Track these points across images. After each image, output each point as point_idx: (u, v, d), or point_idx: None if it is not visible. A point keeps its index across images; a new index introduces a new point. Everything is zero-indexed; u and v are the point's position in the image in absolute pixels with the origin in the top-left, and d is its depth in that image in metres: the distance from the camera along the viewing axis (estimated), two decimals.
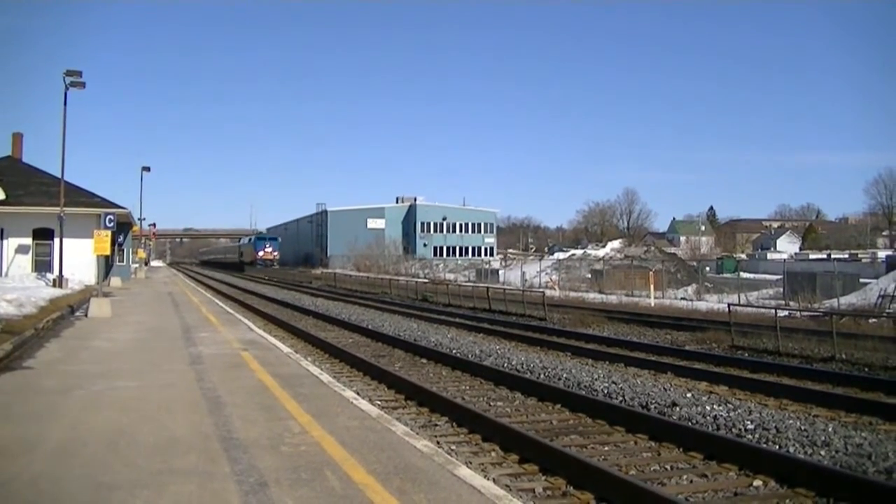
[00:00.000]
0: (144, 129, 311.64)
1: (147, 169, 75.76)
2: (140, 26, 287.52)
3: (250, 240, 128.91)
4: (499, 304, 36.51)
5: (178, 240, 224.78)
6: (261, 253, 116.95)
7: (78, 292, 36.21)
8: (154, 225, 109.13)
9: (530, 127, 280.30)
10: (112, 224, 32.79)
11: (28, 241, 47.32)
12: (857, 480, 8.35)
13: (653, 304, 40.13)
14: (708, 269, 72.39)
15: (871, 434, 10.75)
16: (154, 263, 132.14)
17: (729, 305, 25.79)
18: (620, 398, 13.55)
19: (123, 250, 65.01)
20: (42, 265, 46.29)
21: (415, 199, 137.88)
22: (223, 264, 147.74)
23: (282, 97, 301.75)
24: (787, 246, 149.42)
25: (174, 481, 7.24)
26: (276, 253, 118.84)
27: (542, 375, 16.16)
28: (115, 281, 51.21)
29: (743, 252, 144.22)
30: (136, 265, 77.23)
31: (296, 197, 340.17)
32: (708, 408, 12.34)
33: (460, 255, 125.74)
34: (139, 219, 75.88)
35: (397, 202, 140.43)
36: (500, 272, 75.71)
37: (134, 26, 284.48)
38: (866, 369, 17.80)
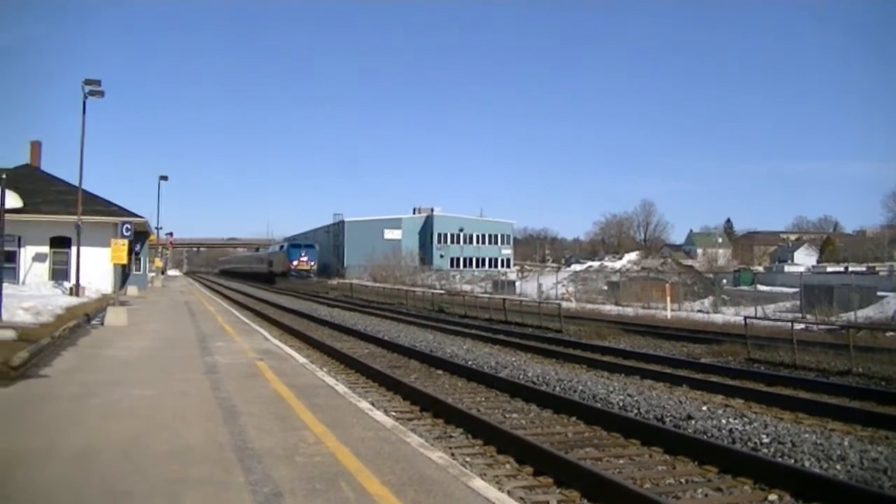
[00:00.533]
0: (162, 138, 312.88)
1: (164, 178, 76.09)
2: (159, 36, 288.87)
3: (282, 247, 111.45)
4: (515, 316, 36.43)
5: (194, 249, 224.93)
6: (295, 262, 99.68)
7: (94, 301, 36.36)
8: (171, 234, 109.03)
9: (548, 138, 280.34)
10: (129, 233, 32.92)
11: (45, 249, 47.51)
12: (873, 495, 8.32)
13: (669, 317, 40.01)
14: (725, 281, 72.12)
15: (888, 448, 10.68)
16: (171, 273, 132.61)
17: (745, 318, 25.67)
18: (636, 411, 13.52)
19: (140, 259, 65.13)
20: (59, 273, 46.44)
21: (431, 210, 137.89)
22: (248, 275, 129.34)
23: (299, 107, 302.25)
24: (804, 258, 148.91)
25: (189, 490, 7.27)
26: (313, 263, 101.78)
27: (557, 388, 16.12)
28: (131, 290, 51.34)
29: (760, 264, 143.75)
30: (153, 274, 77.42)
31: (312, 207, 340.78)
32: (724, 421, 12.29)
33: (477, 266, 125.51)
34: (156, 228, 76.12)
35: (414, 213, 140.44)
36: (517, 283, 75.59)
37: (153, 36, 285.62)
38: (883, 383, 17.69)
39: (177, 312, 35.74)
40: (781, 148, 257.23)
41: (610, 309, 46.41)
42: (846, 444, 10.77)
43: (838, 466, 9.70)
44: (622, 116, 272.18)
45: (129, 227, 33.40)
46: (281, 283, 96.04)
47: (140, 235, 57.49)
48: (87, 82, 38.68)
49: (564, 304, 40.75)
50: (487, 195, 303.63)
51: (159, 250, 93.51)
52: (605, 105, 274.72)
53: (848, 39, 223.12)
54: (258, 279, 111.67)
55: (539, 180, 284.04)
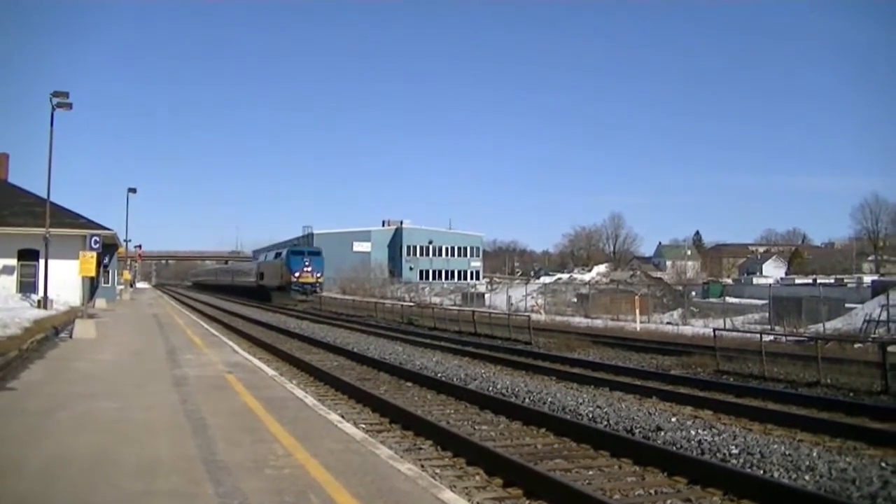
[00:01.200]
0: (130, 151, 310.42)
1: (133, 190, 75.62)
2: (127, 50, 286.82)
3: (279, 254, 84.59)
4: (484, 328, 36.45)
5: (163, 261, 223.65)
6: (297, 273, 75.16)
7: (63, 313, 36.06)
8: (140, 246, 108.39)
9: (517, 150, 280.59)
10: (97, 245, 32.89)
11: (13, 261, 47.26)
12: None
13: (638, 329, 40.08)
14: (694, 293, 72.52)
15: (856, 459, 10.78)
16: (139, 285, 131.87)
17: (714, 330, 25.85)
18: (605, 422, 13.56)
19: (109, 272, 64.87)
20: (27, 286, 46.17)
21: (401, 223, 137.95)
22: (230, 289, 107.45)
23: (266, 121, 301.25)
24: (772, 270, 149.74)
25: (157, 503, 7.24)
26: (319, 274, 77.39)
27: (527, 400, 16.15)
28: (100, 302, 51.06)
29: (729, 277, 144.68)
30: (122, 287, 77.05)
31: (281, 220, 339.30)
32: (693, 432, 12.35)
33: (446, 278, 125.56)
34: (125, 240, 75.74)
35: (383, 225, 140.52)
36: (486, 296, 75.59)
37: (121, 50, 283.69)
38: (851, 394, 17.82)
39: (145, 325, 35.51)
40: (749, 161, 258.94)
41: (579, 321, 46.48)
42: (815, 454, 10.84)
43: (807, 477, 9.76)
44: (592, 130, 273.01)
45: (97, 239, 33.35)
46: (279, 299, 75.09)
47: (108, 248, 57.31)
48: (55, 94, 38.41)
49: (534, 317, 40.67)
50: (456, 208, 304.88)
51: (128, 263, 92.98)
52: (574, 119, 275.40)
53: (816, 53, 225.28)
54: (245, 294, 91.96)
55: (508, 193, 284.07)
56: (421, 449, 12.00)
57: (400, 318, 49.78)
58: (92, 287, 46.51)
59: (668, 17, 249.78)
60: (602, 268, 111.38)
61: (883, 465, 10.42)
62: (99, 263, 44.05)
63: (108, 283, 64.22)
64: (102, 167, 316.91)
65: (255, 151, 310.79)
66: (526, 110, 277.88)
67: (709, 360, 22.81)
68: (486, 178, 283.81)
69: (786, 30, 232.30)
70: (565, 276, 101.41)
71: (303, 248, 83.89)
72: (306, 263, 75.06)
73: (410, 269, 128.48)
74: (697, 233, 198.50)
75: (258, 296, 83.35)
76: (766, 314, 46.03)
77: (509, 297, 63.93)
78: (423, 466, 10.23)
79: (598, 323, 44.15)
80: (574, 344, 29.51)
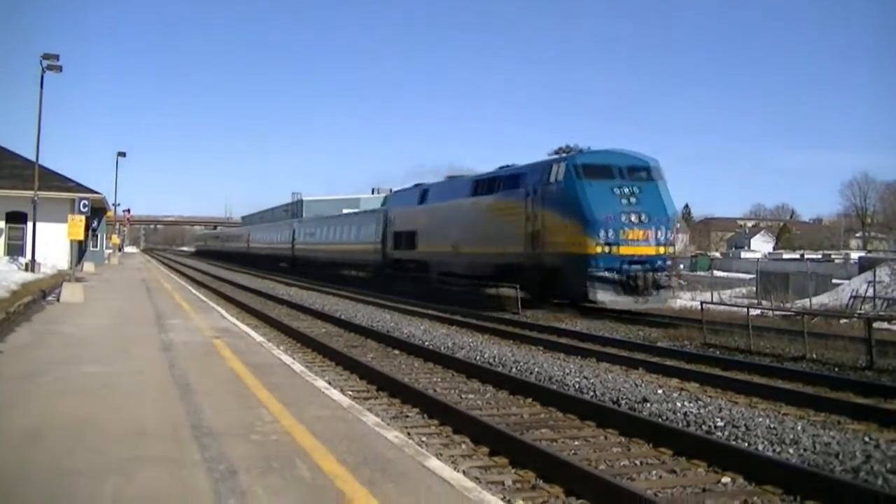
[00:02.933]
0: (120, 114, 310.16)
1: (122, 154, 75.23)
2: (117, 12, 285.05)
3: (495, 180, 35.83)
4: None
5: (152, 226, 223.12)
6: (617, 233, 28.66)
7: (50, 277, 35.94)
8: (129, 211, 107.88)
9: (509, 105, 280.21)
10: (86, 209, 32.63)
11: (1, 224, 47.06)
12: (825, 479, 8.40)
13: None
14: (682, 266, 72.55)
15: (840, 433, 10.82)
16: (128, 249, 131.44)
17: (702, 303, 25.82)
18: (591, 393, 13.59)
19: (97, 236, 64.67)
20: (15, 249, 46.08)
21: (391, 190, 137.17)
22: (246, 258, 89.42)
23: (256, 86, 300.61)
24: (760, 245, 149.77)
25: (143, 468, 7.17)
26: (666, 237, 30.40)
27: (513, 369, 16.18)
28: (88, 266, 50.88)
29: (717, 250, 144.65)
30: (110, 251, 76.84)
31: (270, 187, 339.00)
32: (679, 404, 12.38)
33: None
34: (114, 204, 75.42)
35: (373, 193, 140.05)
36: None
37: (111, 11, 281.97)
38: (836, 369, 17.86)
39: (133, 289, 35.43)
40: (739, 135, 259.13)
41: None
42: (799, 428, 10.87)
43: (791, 450, 9.78)
44: (581, 101, 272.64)
45: (86, 203, 33.08)
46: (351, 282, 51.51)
47: (97, 212, 57.07)
48: (45, 56, 38.22)
49: None
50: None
51: (116, 227, 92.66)
52: (563, 89, 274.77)
53: (807, 29, 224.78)
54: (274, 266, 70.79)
55: (496, 155, 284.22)
56: (408, 417, 12.04)
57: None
58: (80, 251, 46.33)
59: None
60: None
61: (866, 439, 10.45)
62: (87, 227, 43.81)
63: (96, 247, 64.05)
64: (94, 131, 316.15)
65: (243, 118, 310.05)
66: (517, 75, 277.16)
67: (696, 333, 22.83)
68: (481, 138, 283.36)
69: (777, 7, 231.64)
70: None
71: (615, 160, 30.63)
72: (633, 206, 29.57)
73: None
74: (686, 206, 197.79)
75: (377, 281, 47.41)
76: (754, 288, 46.12)
77: None
78: (409, 434, 10.22)
79: None
80: (562, 315, 29.43)
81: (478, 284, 34.90)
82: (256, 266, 77.90)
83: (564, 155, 34.78)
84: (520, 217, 31.66)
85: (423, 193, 43.24)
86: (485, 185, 36.02)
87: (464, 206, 36.83)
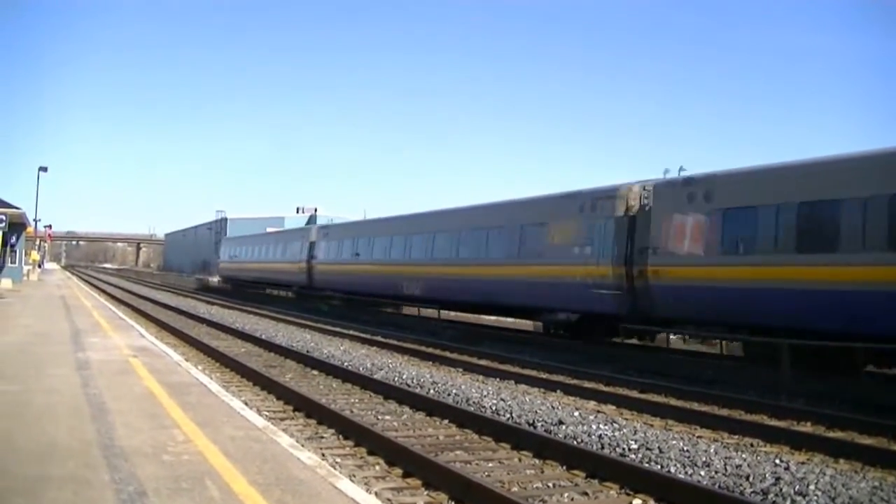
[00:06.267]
0: (41, 129, 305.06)
1: (44, 169, 73.63)
2: (43, 25, 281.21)
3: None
4: (397, 318, 36.40)
5: (73, 242, 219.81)
6: None
7: None
8: (50, 227, 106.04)
9: (429, 139, 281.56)
10: (3, 224, 32.12)
11: None
12: (734, 501, 8.52)
13: None
14: None
15: (751, 455, 11.01)
16: (48, 266, 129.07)
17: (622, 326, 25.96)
18: (508, 415, 13.63)
19: (16, 251, 63.44)
20: None
21: (315, 210, 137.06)
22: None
23: (185, 104, 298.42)
24: None
25: (50, 489, 7.05)
26: None
27: (431, 391, 16.19)
28: (5, 283, 49.95)
29: None
30: (29, 267, 75.37)
31: (195, 206, 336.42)
32: (594, 426, 12.48)
33: None
34: (34, 220, 74.01)
35: (298, 213, 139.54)
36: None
37: (37, 24, 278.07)
38: (751, 392, 18.10)
39: (52, 307, 34.77)
40: (742, 138, 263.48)
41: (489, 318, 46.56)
42: (712, 450, 11.04)
43: (702, 472, 9.90)
44: (560, 106, 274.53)
45: (3, 218, 32.60)
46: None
47: (16, 227, 55.92)
48: None
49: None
50: (371, 197, 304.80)
51: (37, 243, 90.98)
52: (532, 96, 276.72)
53: (811, 27, 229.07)
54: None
55: (422, 181, 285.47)
56: (323, 438, 11.97)
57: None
58: None
59: None
60: None
61: (777, 461, 10.61)
62: (5, 243, 43.08)
63: (14, 263, 62.84)
64: (13, 145, 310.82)
65: (168, 136, 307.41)
66: (445, 91, 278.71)
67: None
68: (400, 167, 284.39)
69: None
70: None
71: None
72: None
73: None
74: None
75: None
76: None
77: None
78: (323, 455, 10.20)
79: (509, 319, 44.22)
80: (482, 336, 29.38)
81: None
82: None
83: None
84: None
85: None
86: None
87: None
